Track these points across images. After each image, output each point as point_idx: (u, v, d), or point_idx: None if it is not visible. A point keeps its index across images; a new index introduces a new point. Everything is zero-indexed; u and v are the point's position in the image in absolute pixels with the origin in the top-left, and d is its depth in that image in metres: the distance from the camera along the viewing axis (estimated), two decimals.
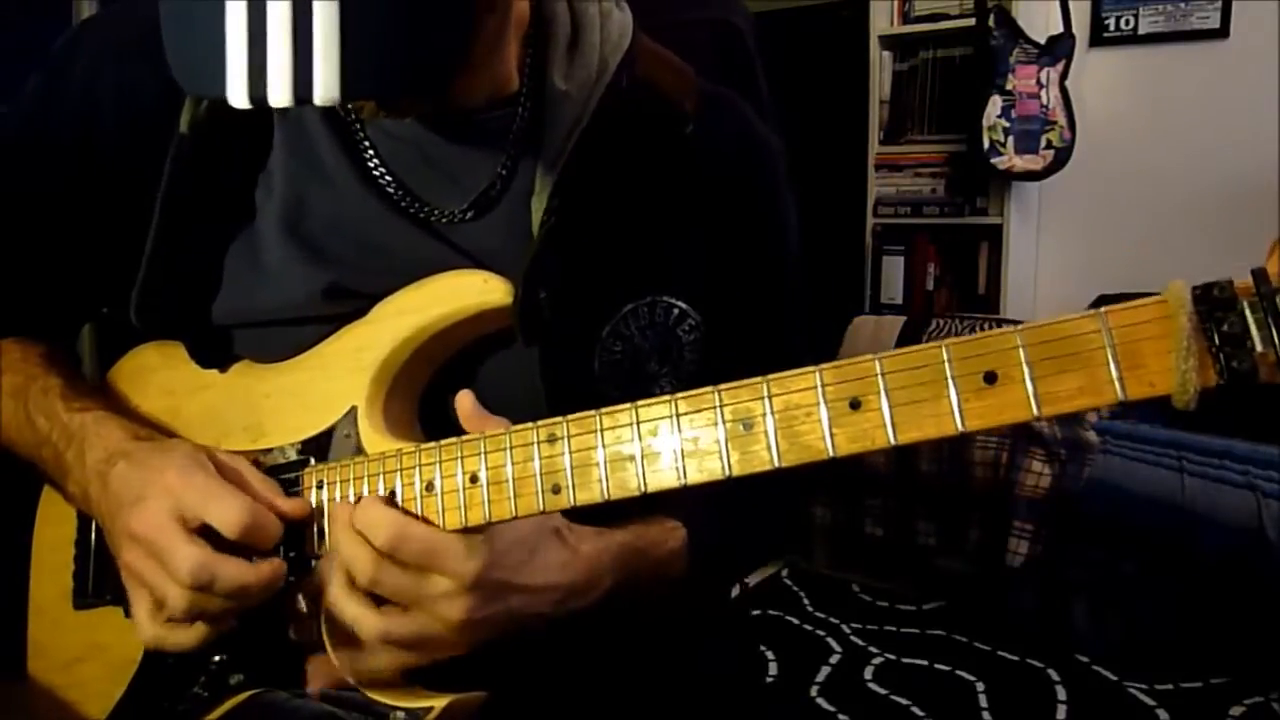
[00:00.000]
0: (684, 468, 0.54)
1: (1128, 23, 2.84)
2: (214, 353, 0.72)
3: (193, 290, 0.70)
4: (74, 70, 0.73)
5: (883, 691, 2.09)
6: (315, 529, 0.66)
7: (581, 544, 0.64)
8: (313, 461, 0.68)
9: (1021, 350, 0.47)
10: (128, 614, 0.70)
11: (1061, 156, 2.74)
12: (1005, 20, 2.73)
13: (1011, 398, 0.47)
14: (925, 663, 2.21)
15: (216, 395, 0.72)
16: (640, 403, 0.56)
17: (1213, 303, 0.44)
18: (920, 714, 2.00)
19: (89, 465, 0.67)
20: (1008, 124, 2.73)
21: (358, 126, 0.71)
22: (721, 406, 0.53)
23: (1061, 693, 2.07)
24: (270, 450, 0.69)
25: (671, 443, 0.54)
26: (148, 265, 0.69)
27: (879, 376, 0.49)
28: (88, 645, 0.74)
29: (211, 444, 0.69)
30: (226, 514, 0.60)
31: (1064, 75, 2.73)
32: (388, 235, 0.70)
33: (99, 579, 0.74)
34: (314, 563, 0.65)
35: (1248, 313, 0.43)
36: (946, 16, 2.94)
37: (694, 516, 0.71)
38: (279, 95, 0.51)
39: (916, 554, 2.49)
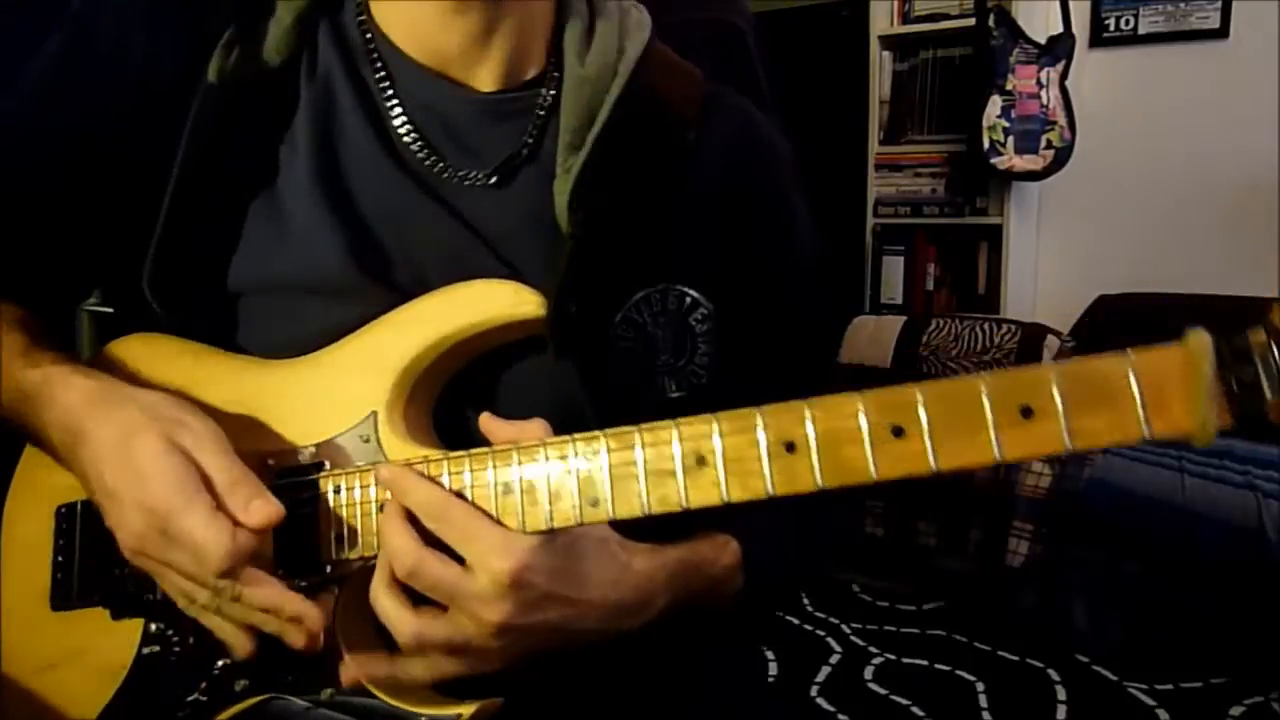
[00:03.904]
0: (726, 485, 0.55)
1: (1128, 23, 2.84)
2: (226, 329, 0.70)
3: (211, 254, 0.68)
4: (102, 26, 0.71)
5: (883, 691, 2.09)
6: (332, 534, 0.64)
7: (633, 560, 0.62)
8: (328, 465, 0.66)
9: (1056, 387, 0.51)
10: (114, 616, 0.69)
11: (1061, 156, 2.74)
12: (1005, 20, 2.73)
13: (1046, 431, 0.51)
14: (925, 663, 2.21)
15: (220, 392, 0.69)
16: (681, 420, 0.56)
17: (1233, 352, 0.49)
18: (920, 714, 2.00)
19: (53, 435, 0.65)
20: (1008, 124, 2.73)
21: (387, 89, 0.70)
22: (764, 427, 0.55)
23: (1061, 693, 2.07)
24: (282, 451, 0.67)
25: (714, 460, 0.55)
26: (165, 224, 0.67)
27: (920, 406, 0.52)
28: (65, 651, 0.71)
29: None
30: (208, 557, 0.58)
31: (1064, 75, 2.73)
32: (405, 208, 0.69)
33: (85, 580, 0.71)
34: (328, 569, 0.64)
35: (1259, 366, 0.48)
36: (946, 16, 2.94)
37: (746, 531, 0.70)
38: None
39: (917, 554, 2.49)
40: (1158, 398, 0.49)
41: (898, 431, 0.53)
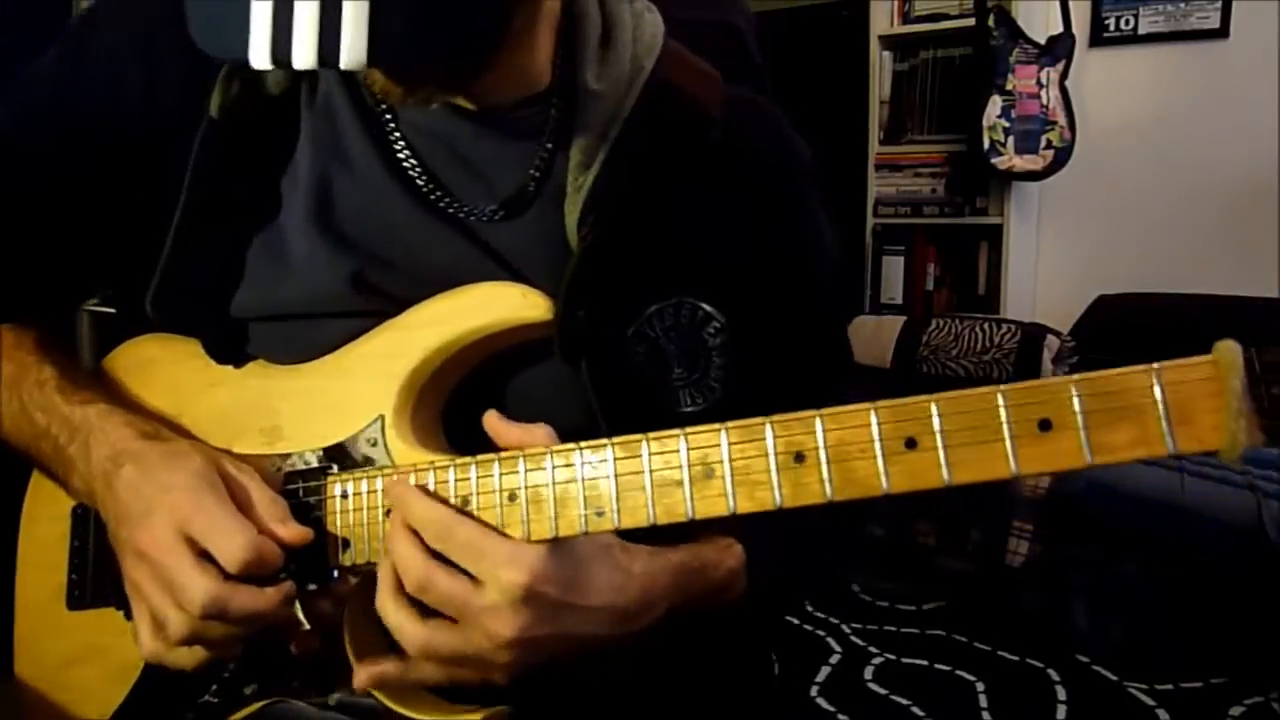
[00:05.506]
0: (734, 496, 0.54)
1: (1128, 23, 2.84)
2: (229, 348, 0.70)
3: (214, 282, 0.68)
4: (96, 49, 0.70)
5: (883, 691, 2.09)
6: (338, 540, 0.64)
7: (634, 564, 0.62)
8: (335, 469, 0.66)
9: (1076, 400, 0.48)
10: (128, 617, 0.68)
11: (1061, 156, 2.74)
12: (1005, 20, 2.73)
13: (1065, 445, 0.49)
14: (925, 663, 2.21)
15: (228, 394, 0.70)
16: (689, 429, 0.55)
17: (1264, 365, 0.46)
18: (920, 714, 2.00)
19: (94, 463, 0.66)
20: (1008, 124, 2.73)
21: (388, 118, 0.69)
22: (774, 438, 0.53)
23: (1061, 693, 2.06)
24: (289, 455, 0.67)
25: (721, 470, 0.54)
26: (170, 254, 0.67)
27: (935, 417, 0.51)
28: (86, 647, 0.72)
29: (223, 445, 0.68)
30: (230, 548, 0.59)
31: (1064, 75, 2.73)
32: (414, 231, 0.68)
33: (99, 581, 0.72)
34: (335, 573, 0.64)
35: None
36: (946, 16, 2.94)
37: (752, 534, 0.70)
38: (302, 57, 0.50)
39: (916, 554, 2.49)
40: (1183, 412, 0.47)
41: (910, 443, 0.51)
